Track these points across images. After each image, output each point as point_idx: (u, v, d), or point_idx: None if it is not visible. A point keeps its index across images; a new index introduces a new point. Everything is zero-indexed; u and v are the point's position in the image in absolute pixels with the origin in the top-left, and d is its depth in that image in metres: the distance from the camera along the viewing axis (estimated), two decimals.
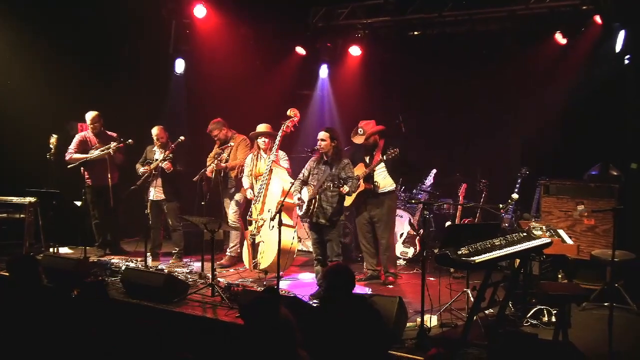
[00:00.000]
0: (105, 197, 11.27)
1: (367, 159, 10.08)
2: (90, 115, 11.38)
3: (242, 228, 10.94)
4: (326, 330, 5.76)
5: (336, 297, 6.35)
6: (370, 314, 6.54)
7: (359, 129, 10.02)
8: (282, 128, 10.24)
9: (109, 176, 11.09)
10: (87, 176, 11.43)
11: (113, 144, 11.09)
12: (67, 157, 11.29)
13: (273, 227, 9.70)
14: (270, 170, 10.14)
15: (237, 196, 11.01)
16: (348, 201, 10.12)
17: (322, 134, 9.59)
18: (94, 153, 11.18)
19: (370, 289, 9.50)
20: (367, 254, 10.27)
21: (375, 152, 10.03)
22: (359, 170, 9.91)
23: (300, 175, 9.75)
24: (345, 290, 6.33)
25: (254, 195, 10.32)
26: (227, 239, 11.46)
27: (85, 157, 11.19)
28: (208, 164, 10.92)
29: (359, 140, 10.04)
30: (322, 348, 4.92)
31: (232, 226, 10.90)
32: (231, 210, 11.04)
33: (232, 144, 10.83)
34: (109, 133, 11.52)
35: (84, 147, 11.36)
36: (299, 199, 9.60)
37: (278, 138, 10.25)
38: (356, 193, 9.91)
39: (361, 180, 9.77)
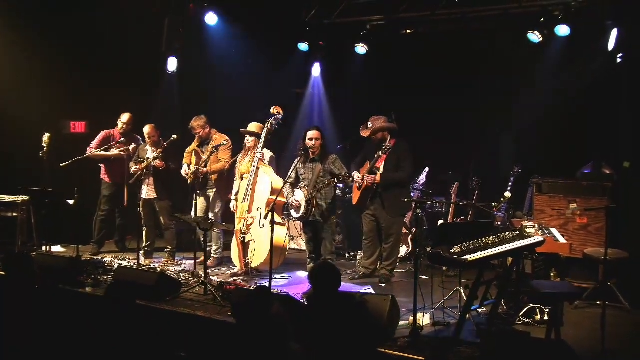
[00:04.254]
0: (119, 195, 11.49)
1: (375, 156, 9.94)
2: (126, 116, 11.54)
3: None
4: (313, 328, 5.77)
5: (322, 295, 6.39)
6: (357, 312, 6.56)
7: (369, 123, 10.00)
8: (266, 126, 10.22)
9: (125, 175, 11.22)
10: (104, 172, 11.65)
11: (132, 147, 11.33)
12: (88, 151, 11.42)
13: (263, 225, 9.69)
14: (257, 169, 10.13)
15: (216, 196, 11.06)
16: (354, 199, 10.18)
17: (315, 133, 9.62)
18: (113, 151, 11.41)
19: (365, 288, 9.48)
20: (367, 251, 10.25)
21: (381, 152, 9.96)
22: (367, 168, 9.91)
23: (288, 179, 9.78)
24: (331, 289, 6.36)
25: (236, 195, 10.38)
26: None
27: (104, 154, 11.46)
28: (185, 159, 10.92)
29: (365, 133, 10.01)
30: (311, 345, 4.93)
31: (222, 225, 10.90)
32: (215, 210, 11.05)
33: (213, 144, 10.74)
34: (137, 136, 11.67)
35: (106, 144, 11.52)
36: (297, 200, 9.60)
37: (263, 136, 10.21)
38: (361, 190, 9.92)
39: (365, 178, 9.76)
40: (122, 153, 11.34)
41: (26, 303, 6.10)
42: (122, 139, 11.41)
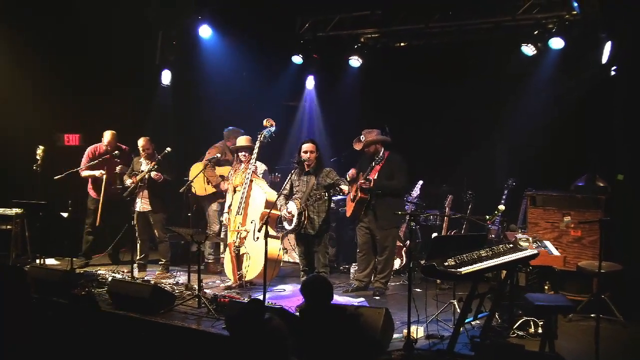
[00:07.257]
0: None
1: (368, 168, 9.97)
2: (107, 136, 11.57)
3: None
4: (306, 341, 5.77)
5: (314, 308, 6.39)
6: (350, 324, 6.56)
7: (361, 136, 10.03)
8: (258, 138, 10.24)
9: (102, 193, 11.34)
10: (90, 187, 11.63)
11: (118, 168, 11.34)
12: (81, 171, 11.48)
13: (258, 238, 9.68)
14: (251, 181, 10.13)
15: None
16: (347, 212, 10.20)
17: (309, 146, 9.62)
18: (95, 173, 11.42)
19: (359, 300, 9.46)
20: (361, 264, 10.22)
21: (374, 163, 9.96)
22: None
23: (283, 190, 9.78)
24: (323, 301, 6.36)
25: (229, 208, 10.40)
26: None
27: (90, 174, 11.48)
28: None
29: (357, 146, 10.07)
30: (304, 358, 4.93)
31: (216, 238, 10.93)
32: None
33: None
34: (122, 146, 11.70)
35: (95, 159, 11.50)
36: (289, 212, 9.60)
37: (256, 149, 10.23)
38: (354, 203, 9.92)
39: (360, 182, 9.76)
40: (103, 173, 11.34)
41: (22, 314, 6.10)
42: (121, 151, 11.42)
